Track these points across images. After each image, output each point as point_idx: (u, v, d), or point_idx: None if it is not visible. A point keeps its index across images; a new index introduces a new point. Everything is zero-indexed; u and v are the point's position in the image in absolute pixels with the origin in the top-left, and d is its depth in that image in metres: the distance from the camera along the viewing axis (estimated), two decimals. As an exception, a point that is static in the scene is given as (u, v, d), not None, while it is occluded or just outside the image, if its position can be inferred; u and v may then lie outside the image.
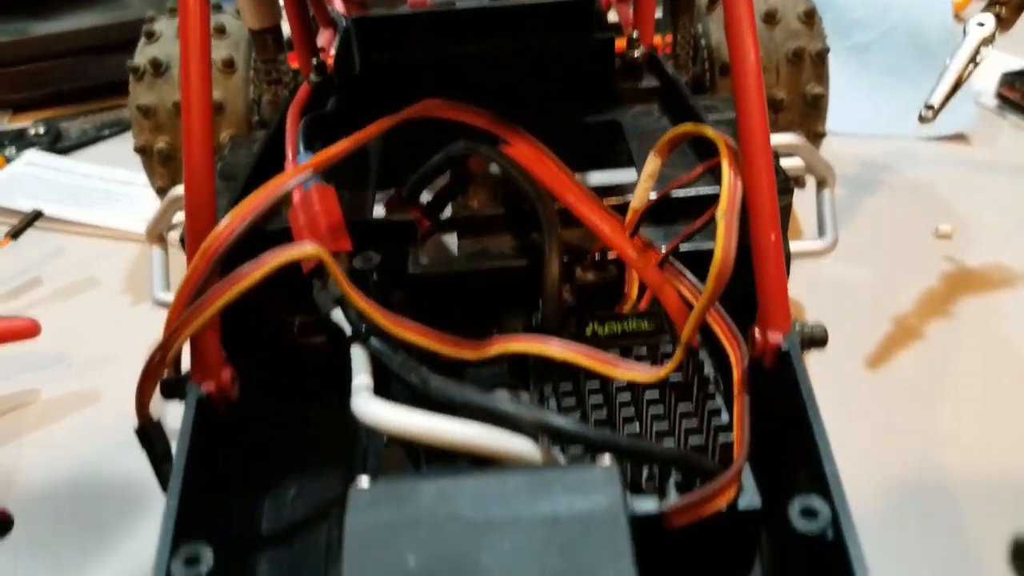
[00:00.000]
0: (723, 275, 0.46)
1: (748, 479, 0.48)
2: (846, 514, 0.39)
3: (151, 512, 0.71)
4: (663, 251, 0.57)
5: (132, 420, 0.72)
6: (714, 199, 0.49)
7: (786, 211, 0.66)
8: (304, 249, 0.47)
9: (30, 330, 0.82)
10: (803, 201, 0.84)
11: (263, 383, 0.63)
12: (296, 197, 0.58)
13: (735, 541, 0.47)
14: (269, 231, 0.60)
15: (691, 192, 0.62)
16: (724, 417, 0.49)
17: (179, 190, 0.78)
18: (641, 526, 0.39)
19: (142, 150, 0.93)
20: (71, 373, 0.90)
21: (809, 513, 0.39)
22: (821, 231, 0.78)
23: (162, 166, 0.91)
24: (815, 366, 0.78)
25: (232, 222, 0.49)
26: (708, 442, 0.48)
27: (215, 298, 0.46)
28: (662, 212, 0.62)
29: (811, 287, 0.90)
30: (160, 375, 0.49)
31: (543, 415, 0.43)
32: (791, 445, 0.47)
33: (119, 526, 0.73)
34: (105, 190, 1.19)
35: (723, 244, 0.46)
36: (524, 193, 0.59)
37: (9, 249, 1.06)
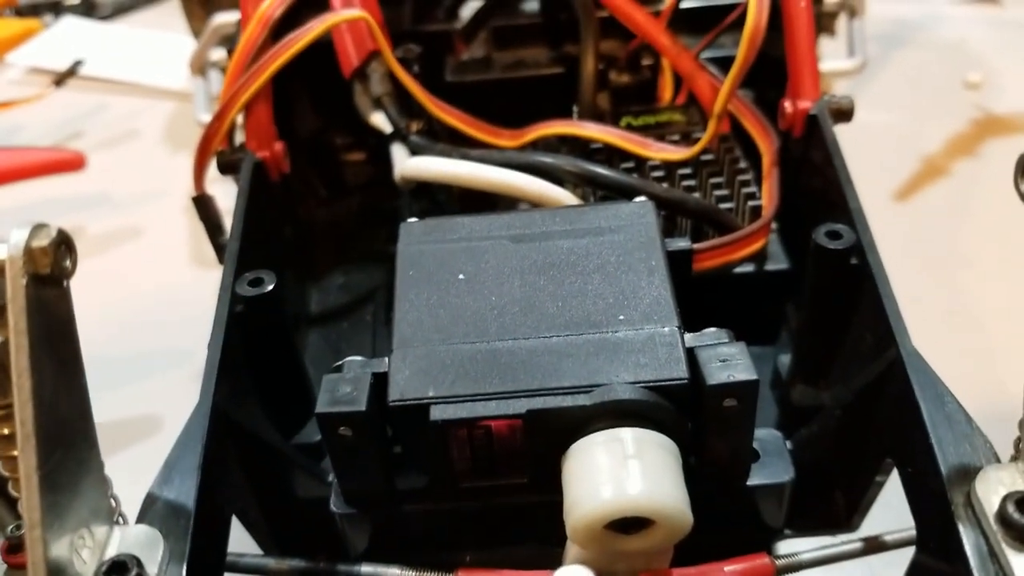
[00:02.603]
0: (755, 39, 0.47)
1: (777, 246, 0.50)
2: (868, 239, 0.41)
3: (197, 326, 0.75)
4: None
5: (173, 253, 0.75)
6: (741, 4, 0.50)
7: (817, 20, 0.68)
8: (350, 12, 0.49)
9: (76, 162, 0.84)
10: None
11: (309, 187, 0.65)
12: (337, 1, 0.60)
13: (763, 302, 0.50)
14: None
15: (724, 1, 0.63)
16: (754, 188, 0.51)
17: (219, 19, 0.80)
18: (674, 260, 0.41)
19: (182, -9, 0.94)
20: (114, 211, 0.93)
21: (834, 235, 0.41)
22: (851, 52, 0.79)
23: (200, 7, 0.92)
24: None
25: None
26: (738, 206, 0.50)
27: (270, 62, 0.48)
28: (694, 19, 0.63)
29: (841, 131, 0.91)
30: (216, 147, 0.51)
31: (580, 162, 0.46)
32: (819, 208, 0.48)
33: (165, 343, 0.76)
34: (142, 51, 1.21)
35: (755, 9, 0.47)
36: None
37: (53, 104, 1.08)
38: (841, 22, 0.85)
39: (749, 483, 0.37)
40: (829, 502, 0.43)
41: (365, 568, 0.37)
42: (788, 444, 0.39)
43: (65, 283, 0.28)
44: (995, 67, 1.06)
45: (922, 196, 0.87)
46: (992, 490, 0.31)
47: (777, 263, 0.49)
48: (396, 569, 0.37)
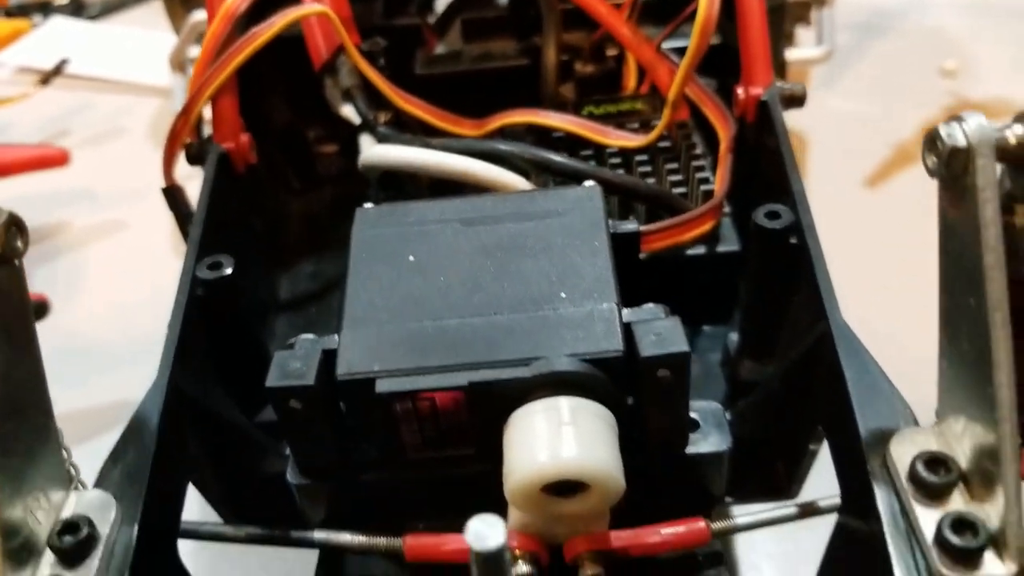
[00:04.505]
0: (707, 28, 0.49)
1: (730, 228, 0.52)
2: (808, 219, 0.42)
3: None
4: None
5: (157, 245, 0.77)
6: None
7: (778, 11, 0.69)
8: (312, 7, 0.50)
9: (60, 158, 0.86)
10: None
11: (281, 177, 0.67)
12: (308, -5, 0.61)
13: (716, 283, 0.51)
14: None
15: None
16: (708, 173, 0.52)
17: (197, 16, 0.81)
18: (622, 242, 0.43)
19: (164, -10, 0.95)
20: (100, 206, 0.95)
21: (773, 216, 0.43)
22: (819, 41, 0.80)
23: (181, 6, 0.94)
24: (813, 184, 0.81)
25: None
26: (692, 191, 0.52)
27: (233, 56, 0.50)
28: (660, 9, 0.64)
29: (816, 119, 0.93)
30: (184, 139, 0.53)
31: (534, 149, 0.47)
32: (770, 192, 0.50)
33: (149, 332, 0.78)
34: (129, 49, 1.23)
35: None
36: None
37: (40, 103, 1.10)
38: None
39: (688, 452, 0.39)
40: (770, 471, 0.44)
41: (318, 534, 0.39)
42: (728, 415, 0.40)
43: (17, 262, 0.29)
44: (971, 54, 1.08)
45: (894, 183, 0.89)
46: (906, 451, 0.32)
47: (729, 245, 0.50)
48: (347, 535, 0.39)
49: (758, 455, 0.43)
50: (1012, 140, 0.29)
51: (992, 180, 0.28)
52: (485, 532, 0.24)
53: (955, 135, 0.29)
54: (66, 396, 0.67)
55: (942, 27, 1.14)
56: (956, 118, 0.29)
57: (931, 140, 0.30)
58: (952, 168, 0.29)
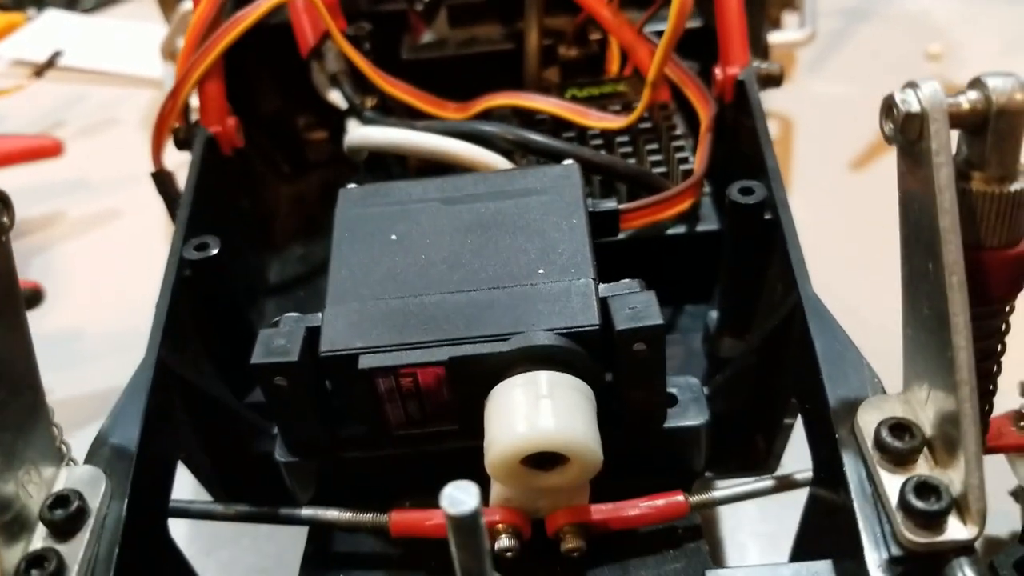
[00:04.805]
0: (684, 8, 0.49)
1: (710, 208, 0.53)
2: (781, 195, 0.43)
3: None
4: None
5: (150, 234, 0.78)
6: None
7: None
8: (296, -10, 0.51)
9: (53, 149, 0.87)
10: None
11: (271, 163, 0.68)
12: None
13: (697, 262, 0.52)
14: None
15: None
16: (687, 153, 0.53)
17: (187, 5, 0.82)
18: (601, 220, 0.44)
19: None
20: (94, 196, 0.96)
21: (746, 191, 0.43)
22: (802, 23, 0.81)
23: (173, -6, 0.95)
24: (799, 167, 0.81)
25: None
26: (671, 171, 0.52)
27: (219, 39, 0.50)
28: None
29: (802, 104, 0.94)
30: (172, 123, 0.53)
31: (514, 129, 0.48)
32: (748, 170, 0.50)
33: (142, 320, 0.79)
34: (123, 41, 1.23)
35: (684, -20, 0.49)
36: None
37: (35, 95, 1.11)
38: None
39: (666, 426, 0.39)
40: (750, 445, 0.45)
41: (306, 511, 0.40)
42: (706, 390, 0.41)
43: (3, 238, 0.30)
44: (956, 38, 1.08)
45: (878, 166, 0.89)
46: (872, 418, 0.33)
47: (708, 224, 0.51)
48: (335, 511, 0.39)
49: (736, 429, 0.44)
50: (965, 105, 0.29)
51: (946, 144, 0.29)
52: (460, 497, 0.25)
53: (909, 100, 0.30)
54: (61, 383, 0.68)
55: (927, 11, 1.15)
56: (911, 84, 0.30)
57: (887, 106, 0.31)
58: (907, 133, 0.30)
